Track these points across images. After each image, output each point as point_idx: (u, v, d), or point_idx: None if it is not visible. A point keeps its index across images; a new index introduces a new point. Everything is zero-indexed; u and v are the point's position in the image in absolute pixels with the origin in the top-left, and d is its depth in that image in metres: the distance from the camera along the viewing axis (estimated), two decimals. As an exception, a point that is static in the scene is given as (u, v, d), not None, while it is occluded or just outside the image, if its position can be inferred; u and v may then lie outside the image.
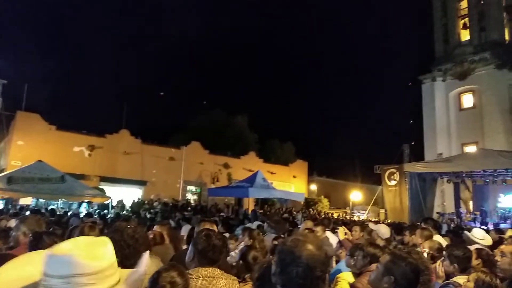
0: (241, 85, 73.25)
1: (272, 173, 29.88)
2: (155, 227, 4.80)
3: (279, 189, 22.93)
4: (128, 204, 20.11)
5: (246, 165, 28.26)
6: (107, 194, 18.65)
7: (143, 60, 68.43)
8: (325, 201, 32.16)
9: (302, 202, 26.35)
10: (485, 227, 13.67)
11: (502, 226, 16.69)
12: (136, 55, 68.61)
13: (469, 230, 6.59)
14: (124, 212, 17.75)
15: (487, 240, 5.73)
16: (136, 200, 21.18)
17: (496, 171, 19.53)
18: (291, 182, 32.65)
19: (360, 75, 79.64)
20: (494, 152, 19.39)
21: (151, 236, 4.16)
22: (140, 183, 24.37)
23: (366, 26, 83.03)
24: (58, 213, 13.18)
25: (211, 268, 2.43)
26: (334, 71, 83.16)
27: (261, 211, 20.41)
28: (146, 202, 21.08)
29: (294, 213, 22.67)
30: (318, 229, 5.72)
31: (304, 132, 61.72)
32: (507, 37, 28.28)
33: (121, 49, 66.10)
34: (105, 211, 15.82)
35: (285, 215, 19.56)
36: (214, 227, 4.44)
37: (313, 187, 36.66)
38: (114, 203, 18.72)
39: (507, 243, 3.47)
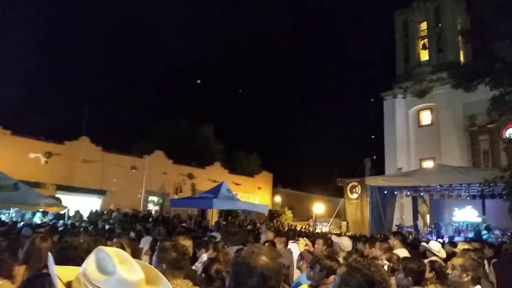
0: (208, 95, 72.98)
1: (237, 184, 29.75)
2: (115, 240, 4.62)
3: (244, 201, 22.83)
4: (86, 214, 19.32)
5: (211, 176, 27.99)
6: (64, 203, 17.83)
7: (107, 65, 66.78)
8: (289, 213, 32.35)
9: (266, 214, 26.37)
10: (440, 240, 14.20)
11: (456, 239, 17.42)
12: (100, 60, 66.84)
13: (427, 242, 6.80)
14: (81, 223, 17.00)
15: (442, 253, 5.94)
16: (94, 210, 20.39)
17: (452, 186, 20.45)
18: (256, 194, 32.64)
19: (326, 90, 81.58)
20: (450, 167, 20.35)
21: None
22: (100, 192, 23.51)
23: (332, 42, 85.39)
24: (8, 222, 12.44)
25: (186, 281, 2.44)
26: (300, 85, 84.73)
27: (225, 222, 20.20)
28: (105, 212, 20.34)
29: (258, 224, 22.63)
30: (279, 241, 5.69)
31: (270, 144, 62.15)
32: (462, 58, 30.01)
33: (84, 53, 64.30)
34: (61, 221, 15.10)
35: (249, 227, 19.49)
36: (190, 241, 4.39)
37: (278, 198, 36.83)
38: (71, 213, 17.93)
39: (458, 256, 3.57)
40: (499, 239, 17.35)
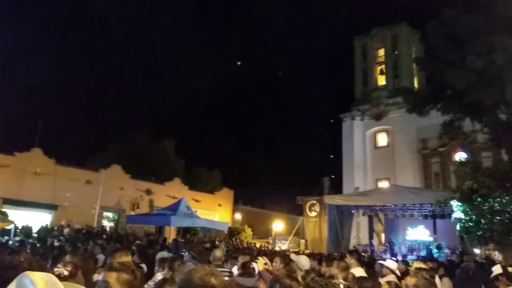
0: (169, 111, 72.10)
1: (197, 200, 29.31)
2: (67, 257, 4.33)
3: (203, 218, 22.48)
4: (35, 229, 18.22)
5: (170, 192, 27.41)
6: (11, 218, 16.76)
7: (64, 74, 64.49)
8: (249, 231, 32.17)
9: (226, 231, 26.08)
10: (394, 258, 14.62)
11: (409, 257, 18.00)
12: (57, 69, 64.46)
13: (383, 261, 6.95)
14: (28, 239, 15.98)
15: (397, 272, 6.11)
16: (44, 226, 19.29)
17: (405, 205, 21.23)
18: (216, 211, 32.26)
19: (288, 110, 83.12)
20: (404, 188, 21.16)
21: (60, 268, 3.69)
22: (50, 207, 22.32)
23: (295, 65, 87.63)
24: None
25: None
26: (262, 105, 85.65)
27: (183, 240, 19.73)
28: (55, 228, 19.28)
29: (217, 242, 22.28)
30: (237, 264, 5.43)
31: (231, 161, 62.02)
32: (416, 85, 31.71)
33: (39, 61, 61.81)
34: (6, 237, 14.15)
35: (207, 245, 19.12)
36: (129, 258, 4.11)
37: (238, 216, 36.59)
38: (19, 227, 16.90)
39: (411, 275, 3.69)
40: (449, 257, 18.14)
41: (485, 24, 14.19)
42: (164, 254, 7.06)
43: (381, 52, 34.72)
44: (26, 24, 60.99)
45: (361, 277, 4.12)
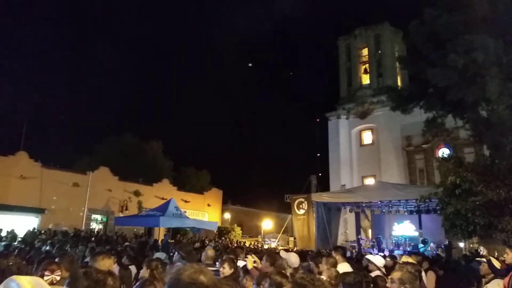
0: (157, 112, 71.64)
1: (186, 201, 29.27)
2: (57, 260, 4.32)
3: (193, 218, 22.50)
4: (21, 234, 17.98)
5: (159, 193, 27.32)
6: (-3, 223, 16.58)
7: (48, 76, 63.51)
8: (238, 230, 32.27)
9: (215, 231, 26.12)
10: (381, 254, 14.93)
11: (395, 252, 18.38)
12: (42, 71, 63.45)
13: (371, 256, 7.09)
14: (13, 242, 15.75)
15: (383, 268, 6.29)
16: (31, 230, 19.05)
17: (391, 202, 21.63)
18: (205, 211, 32.26)
19: (275, 110, 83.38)
20: (389, 184, 21.58)
21: (50, 275, 3.64)
22: (37, 210, 22.03)
23: (281, 64, 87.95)
24: None
25: None
26: (249, 104, 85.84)
27: (172, 240, 19.72)
28: (42, 232, 19.08)
29: (207, 242, 22.33)
30: (225, 264, 5.31)
31: (220, 161, 61.94)
32: (399, 83, 32.23)
33: (24, 63, 60.76)
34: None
35: (197, 245, 19.16)
36: (111, 261, 4.11)
37: (227, 215, 36.64)
38: (4, 233, 16.65)
39: (396, 270, 3.84)
40: (434, 252, 18.59)
41: (465, 24, 14.57)
42: (162, 255, 7.07)
43: (365, 51, 35.18)
44: (10, 24, 59.86)
45: (344, 273, 4.23)
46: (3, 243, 14.73)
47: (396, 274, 3.57)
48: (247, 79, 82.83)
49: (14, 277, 1.11)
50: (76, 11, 69.92)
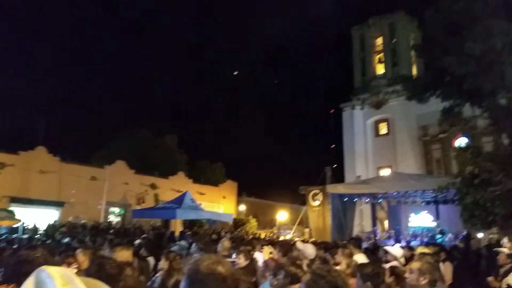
0: (172, 106, 72.14)
1: (201, 193, 29.55)
2: (78, 251, 4.44)
3: (208, 210, 22.71)
4: (43, 227, 18.49)
5: (175, 186, 27.64)
6: (19, 216, 17.05)
7: (65, 73, 64.48)
8: (253, 222, 32.45)
9: (231, 223, 26.34)
10: (399, 244, 14.84)
11: (412, 243, 18.21)
12: (58, 67, 64.48)
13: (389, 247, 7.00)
14: (35, 235, 16.23)
15: (401, 259, 6.24)
16: (51, 223, 19.56)
17: (407, 192, 21.41)
18: (220, 203, 32.52)
19: (289, 102, 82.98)
20: (406, 175, 21.32)
21: (64, 265, 3.72)
22: (57, 204, 22.59)
23: (295, 57, 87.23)
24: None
25: None
26: (264, 96, 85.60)
27: (190, 232, 19.98)
28: (63, 224, 19.56)
29: (223, 233, 22.54)
30: (240, 256, 5.32)
31: (234, 153, 62.15)
32: (415, 72, 31.65)
33: (42, 60, 61.80)
34: (15, 235, 14.41)
35: (213, 236, 19.36)
36: (129, 252, 4.19)
37: (242, 207, 36.86)
38: (30, 226, 17.17)
39: (416, 259, 3.79)
40: (452, 242, 18.36)
41: (482, 9, 14.17)
42: (182, 243, 7.15)
43: (379, 41, 34.58)
44: (27, 22, 60.88)
45: (362, 264, 4.22)
46: (25, 236, 15.23)
47: (415, 264, 3.52)
48: (260, 71, 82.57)
49: (44, 267, 1.13)
50: (94, 5, 70.62)
